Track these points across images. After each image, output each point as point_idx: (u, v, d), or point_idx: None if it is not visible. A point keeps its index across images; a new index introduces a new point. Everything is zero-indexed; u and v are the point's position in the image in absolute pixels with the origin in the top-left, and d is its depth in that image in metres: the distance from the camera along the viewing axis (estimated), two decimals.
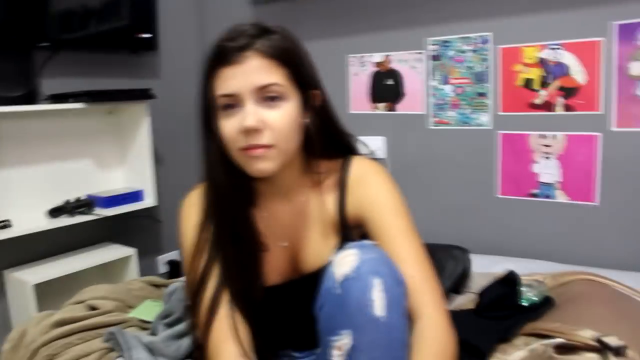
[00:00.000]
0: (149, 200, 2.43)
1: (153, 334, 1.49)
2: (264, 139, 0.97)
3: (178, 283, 1.68)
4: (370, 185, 1.09)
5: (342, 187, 1.11)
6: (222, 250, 1.06)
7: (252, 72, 0.96)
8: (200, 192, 1.12)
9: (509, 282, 1.38)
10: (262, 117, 0.96)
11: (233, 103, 0.98)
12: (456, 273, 1.52)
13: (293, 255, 1.13)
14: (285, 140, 0.99)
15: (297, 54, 1.03)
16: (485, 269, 1.76)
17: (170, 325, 1.47)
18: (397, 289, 0.91)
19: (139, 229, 2.56)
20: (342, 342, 0.88)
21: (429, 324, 0.95)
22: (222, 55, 0.98)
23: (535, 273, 1.59)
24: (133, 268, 2.35)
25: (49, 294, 2.13)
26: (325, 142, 1.11)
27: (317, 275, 0.98)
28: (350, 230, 1.11)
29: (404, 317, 0.92)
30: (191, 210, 1.13)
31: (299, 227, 1.12)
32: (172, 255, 2.74)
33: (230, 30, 1.00)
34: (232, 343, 1.00)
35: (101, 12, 2.27)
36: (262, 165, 0.99)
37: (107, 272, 2.39)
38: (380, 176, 1.11)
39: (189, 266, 1.09)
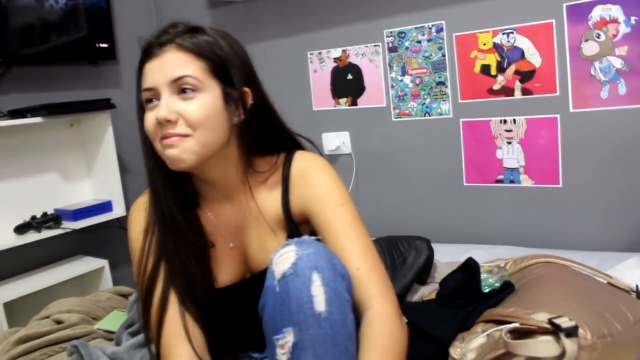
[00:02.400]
0: (118, 210, 2.41)
1: (117, 344, 1.48)
2: (178, 128, 0.97)
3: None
4: (312, 179, 1.09)
5: (285, 183, 1.10)
6: (166, 251, 1.05)
7: (168, 65, 0.98)
8: (147, 197, 1.12)
9: (469, 269, 1.37)
10: (176, 109, 0.97)
11: (153, 97, 0.99)
12: (418, 264, 1.52)
13: (241, 254, 1.13)
14: (202, 131, 0.98)
15: (223, 50, 1.02)
16: (453, 257, 1.76)
17: (133, 334, 1.46)
18: (339, 283, 0.91)
19: (110, 240, 2.54)
20: (285, 340, 0.88)
21: (377, 316, 0.95)
22: (146, 50, 1.01)
23: (500, 259, 1.59)
24: (107, 279, 2.33)
25: (21, 312, 2.10)
26: (265, 139, 1.11)
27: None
28: (298, 226, 1.11)
29: (348, 310, 0.91)
30: (138, 216, 1.13)
31: (244, 226, 1.12)
32: None
33: (161, 28, 1.03)
34: (184, 345, 1.00)
35: (57, 25, 2.24)
36: (176, 152, 0.98)
37: (81, 285, 2.37)
38: (323, 170, 1.10)
39: (137, 270, 1.09)
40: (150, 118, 1.00)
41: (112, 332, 1.58)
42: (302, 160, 1.12)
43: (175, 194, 1.07)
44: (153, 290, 1.05)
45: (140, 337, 1.40)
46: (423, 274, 1.54)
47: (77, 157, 2.46)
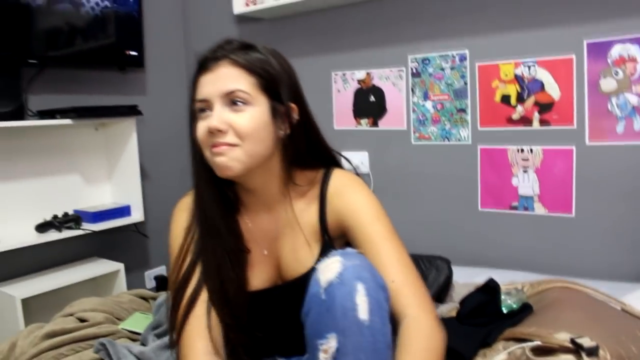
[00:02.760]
0: (136, 216, 2.46)
1: (143, 344, 1.52)
2: (228, 138, 1.04)
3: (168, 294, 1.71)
4: (349, 196, 1.15)
5: (322, 199, 1.17)
6: (204, 252, 1.12)
7: (222, 78, 1.05)
8: (190, 199, 1.19)
9: (489, 290, 1.43)
10: (227, 119, 1.03)
11: (205, 107, 1.06)
12: (438, 282, 1.58)
13: (275, 262, 1.18)
14: (249, 142, 1.04)
15: (273, 68, 1.09)
16: (467, 279, 1.81)
17: (160, 335, 1.50)
18: (380, 294, 0.96)
19: (127, 244, 2.58)
20: (328, 345, 0.92)
21: (413, 322, 0.99)
22: (201, 64, 1.08)
23: (514, 282, 1.65)
24: (121, 283, 2.36)
25: (34, 309, 2.14)
26: (306, 154, 1.17)
27: (299, 282, 1.04)
28: (333, 239, 1.16)
29: (387, 320, 0.96)
30: (181, 215, 1.19)
31: (279, 236, 1.18)
32: (160, 270, 2.76)
33: (216, 43, 1.10)
34: (204, 340, 1.05)
35: (88, 30, 2.31)
36: (224, 160, 1.04)
37: (94, 287, 2.41)
38: (359, 187, 1.17)
39: (173, 267, 1.15)
40: (202, 127, 1.06)
41: (136, 333, 1.62)
42: (339, 178, 1.18)
43: (218, 198, 1.14)
44: (185, 287, 1.11)
45: (167, 339, 1.44)
46: (442, 293, 1.59)
47: (99, 160, 2.51)
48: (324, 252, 1.10)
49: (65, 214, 2.28)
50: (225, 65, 1.06)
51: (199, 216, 1.15)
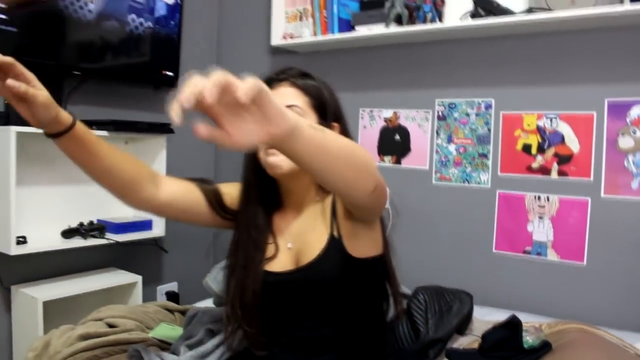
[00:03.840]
0: (157, 230, 2.52)
1: (174, 353, 1.57)
2: None
3: (199, 307, 1.77)
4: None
5: (333, 210, 1.30)
6: (238, 229, 1.38)
7: (283, 96, 1.28)
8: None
9: (511, 325, 1.50)
10: None
11: None
12: (462, 313, 1.65)
13: (296, 255, 1.32)
14: None
15: (323, 93, 1.33)
16: (479, 317, 1.88)
17: (191, 347, 1.55)
18: None
19: (143, 257, 2.63)
20: None
21: None
22: (267, 82, 1.22)
23: (530, 322, 1.72)
24: (137, 295, 2.41)
25: (50, 311, 2.17)
26: None
27: (307, 267, 1.25)
28: (339, 227, 1.28)
29: None
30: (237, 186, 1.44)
31: (304, 232, 1.33)
32: (172, 286, 2.80)
33: (279, 68, 1.36)
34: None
35: (129, 48, 2.41)
36: (277, 160, 1.24)
37: (108, 297, 2.44)
38: None
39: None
40: None
41: (165, 342, 1.67)
42: None
43: (259, 189, 1.37)
44: None
45: (200, 350, 1.50)
46: (464, 324, 1.67)
47: None
48: (331, 243, 1.25)
49: (91, 223, 2.34)
50: (286, 85, 1.31)
51: (242, 204, 1.38)
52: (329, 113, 1.33)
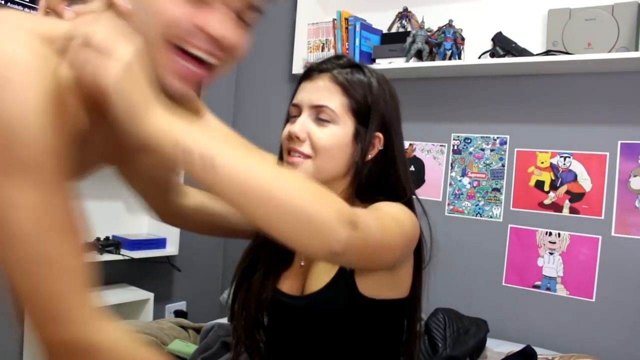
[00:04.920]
0: (171, 249, 2.55)
1: None
2: (303, 147, 1.07)
3: (216, 321, 1.79)
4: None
5: None
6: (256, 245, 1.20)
7: (318, 91, 1.08)
8: None
9: (527, 356, 1.53)
10: (308, 129, 1.07)
11: (296, 113, 1.11)
12: (478, 336, 1.70)
13: (304, 274, 1.15)
14: (322, 157, 1.07)
15: (371, 93, 1.09)
16: (492, 348, 1.91)
17: (207, 359, 1.58)
18: None
19: (155, 274, 2.65)
20: None
21: None
22: (306, 71, 1.13)
23: (541, 354, 1.75)
24: (148, 312, 2.43)
25: None
26: (377, 187, 1.13)
27: (309, 298, 1.08)
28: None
29: None
30: None
31: None
32: (180, 305, 2.82)
33: (329, 56, 1.16)
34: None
35: None
36: (295, 160, 1.07)
37: (120, 312, 2.46)
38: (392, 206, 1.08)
39: None
40: (286, 130, 1.11)
41: (180, 358, 1.69)
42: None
43: None
44: None
45: None
46: (476, 352, 1.69)
47: None
48: (341, 274, 1.07)
49: (107, 238, 2.37)
50: (325, 79, 1.09)
51: None
52: (372, 119, 1.08)
